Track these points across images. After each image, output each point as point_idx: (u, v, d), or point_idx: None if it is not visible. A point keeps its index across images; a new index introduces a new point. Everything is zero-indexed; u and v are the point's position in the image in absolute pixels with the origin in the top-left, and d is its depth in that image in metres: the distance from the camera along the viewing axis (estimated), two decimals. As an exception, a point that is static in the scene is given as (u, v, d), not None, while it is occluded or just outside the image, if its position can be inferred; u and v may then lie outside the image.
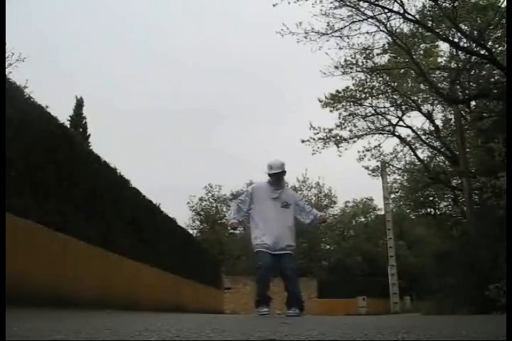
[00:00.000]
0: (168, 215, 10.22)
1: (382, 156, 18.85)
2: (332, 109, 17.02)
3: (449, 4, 10.61)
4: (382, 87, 16.64)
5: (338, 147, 17.25)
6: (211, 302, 13.37)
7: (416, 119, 18.46)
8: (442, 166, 18.78)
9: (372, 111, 17.68)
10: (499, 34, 11.93)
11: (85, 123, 20.33)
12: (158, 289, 8.32)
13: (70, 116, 19.72)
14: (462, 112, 15.44)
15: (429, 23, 11.69)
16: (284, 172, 4.94)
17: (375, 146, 18.16)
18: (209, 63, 52.67)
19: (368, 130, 17.93)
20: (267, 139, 52.84)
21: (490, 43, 12.24)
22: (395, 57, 14.65)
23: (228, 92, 51.57)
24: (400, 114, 18.12)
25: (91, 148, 7.38)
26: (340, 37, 12.40)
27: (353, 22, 11.82)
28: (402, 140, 18.56)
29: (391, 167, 20.24)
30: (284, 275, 4.80)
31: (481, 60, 11.86)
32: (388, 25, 11.75)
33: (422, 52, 14.68)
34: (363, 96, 16.87)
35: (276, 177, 4.88)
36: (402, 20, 11.64)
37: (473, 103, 14.64)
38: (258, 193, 4.95)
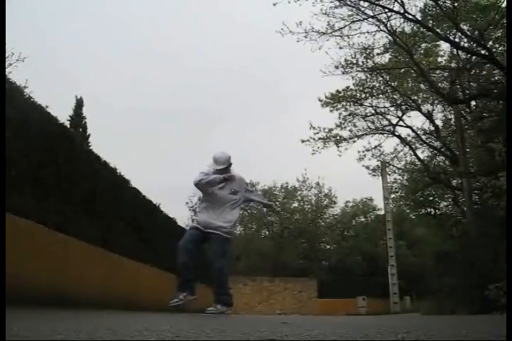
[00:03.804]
0: (168, 215, 10.21)
1: (382, 156, 18.94)
2: (332, 108, 17.08)
3: (450, 4, 10.61)
4: (382, 87, 16.68)
5: (338, 147, 17.32)
6: (211, 302, 13.37)
7: (416, 119, 18.55)
8: (442, 166, 18.80)
9: (372, 111, 17.74)
10: (499, 34, 11.93)
11: (85, 123, 20.37)
12: (158, 289, 8.32)
13: (70, 116, 19.75)
14: (462, 112, 15.45)
15: (430, 23, 11.70)
16: (229, 166, 4.92)
17: (375, 146, 18.24)
18: (208, 63, 52.67)
19: (368, 130, 17.98)
20: (267, 139, 52.90)
21: (490, 43, 12.25)
22: (395, 57, 14.66)
23: (228, 92, 51.64)
24: (400, 113, 18.18)
25: (91, 148, 7.39)
26: (341, 36, 12.45)
27: (354, 21, 11.84)
28: (402, 140, 18.60)
29: (391, 167, 20.29)
30: (206, 258, 4.77)
31: (481, 60, 11.86)
32: (388, 25, 11.78)
33: (422, 51, 14.70)
34: (363, 96, 16.91)
35: (221, 173, 4.84)
36: (402, 20, 11.67)
37: (473, 103, 14.64)
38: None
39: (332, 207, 31.41)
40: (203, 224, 4.84)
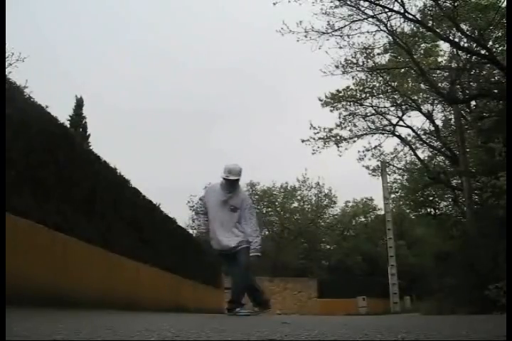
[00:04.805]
0: (168, 215, 10.21)
1: (382, 156, 18.94)
2: (332, 108, 17.08)
3: (450, 4, 10.61)
4: (382, 87, 16.66)
5: (338, 147, 17.32)
6: (211, 302, 13.38)
7: (416, 119, 18.55)
8: (442, 166, 18.80)
9: (373, 111, 17.74)
10: (499, 34, 11.93)
11: (85, 123, 20.32)
12: (158, 289, 8.32)
13: (70, 116, 19.71)
14: (462, 112, 15.44)
15: (430, 23, 11.68)
16: (239, 180, 4.97)
17: (376, 146, 18.23)
18: (208, 63, 52.67)
19: (368, 130, 17.99)
20: (267, 139, 52.90)
21: (490, 43, 12.24)
22: (395, 57, 14.66)
23: (227, 92, 51.62)
24: (400, 113, 18.17)
25: (91, 148, 7.38)
26: (341, 36, 12.42)
27: (354, 21, 11.82)
28: (403, 140, 18.60)
29: (391, 167, 20.29)
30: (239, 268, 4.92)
31: (481, 59, 11.86)
32: (389, 25, 11.76)
33: (422, 51, 14.70)
34: (363, 95, 16.90)
35: (230, 183, 4.89)
36: (402, 20, 11.65)
37: (473, 103, 14.64)
38: (210, 197, 5.04)
39: (332, 207, 31.47)
40: (226, 248, 4.90)
